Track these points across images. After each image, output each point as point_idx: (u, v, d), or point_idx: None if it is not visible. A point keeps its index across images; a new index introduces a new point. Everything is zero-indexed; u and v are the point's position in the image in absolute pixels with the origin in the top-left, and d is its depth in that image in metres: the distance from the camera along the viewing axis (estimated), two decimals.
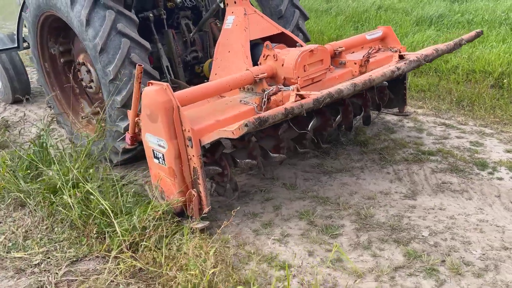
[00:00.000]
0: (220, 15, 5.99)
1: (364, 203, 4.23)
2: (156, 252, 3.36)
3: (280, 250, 3.63)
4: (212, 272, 3.06)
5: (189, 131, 3.57)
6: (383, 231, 3.81)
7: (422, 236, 3.72)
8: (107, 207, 3.60)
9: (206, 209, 3.76)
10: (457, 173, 4.66)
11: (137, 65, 3.75)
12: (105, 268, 3.17)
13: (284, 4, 5.89)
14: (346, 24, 10.62)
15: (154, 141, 3.80)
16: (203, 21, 5.79)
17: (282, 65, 4.30)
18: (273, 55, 4.36)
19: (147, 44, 4.72)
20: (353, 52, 5.37)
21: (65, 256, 3.42)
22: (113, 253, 3.28)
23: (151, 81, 3.77)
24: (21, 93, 7.70)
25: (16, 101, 7.96)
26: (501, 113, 6.02)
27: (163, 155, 3.76)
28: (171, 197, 3.80)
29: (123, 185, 4.18)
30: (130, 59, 4.59)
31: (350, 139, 5.57)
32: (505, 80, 6.54)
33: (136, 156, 4.99)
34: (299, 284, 3.24)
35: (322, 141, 4.88)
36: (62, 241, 3.59)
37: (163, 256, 3.27)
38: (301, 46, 4.85)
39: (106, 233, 3.60)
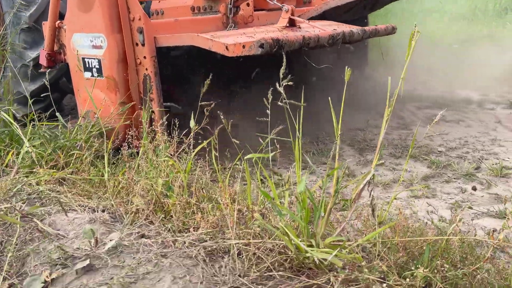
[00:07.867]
0: None
1: (354, 132, 3.45)
2: (97, 167, 2.23)
3: (268, 173, 2.67)
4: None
5: (140, 19, 2.53)
6: (390, 150, 3.04)
7: (439, 151, 3.00)
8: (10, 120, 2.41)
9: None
10: (445, 107, 4.07)
11: None
12: (9, 179, 1.96)
13: None
14: None
15: (86, 43, 2.70)
16: None
17: None
18: None
19: None
20: None
21: None
22: (16, 164, 2.08)
23: None
24: None
25: None
26: None
27: (99, 60, 2.67)
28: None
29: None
30: None
31: None
32: None
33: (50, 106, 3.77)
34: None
35: None
36: None
37: (107, 171, 2.15)
38: None
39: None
